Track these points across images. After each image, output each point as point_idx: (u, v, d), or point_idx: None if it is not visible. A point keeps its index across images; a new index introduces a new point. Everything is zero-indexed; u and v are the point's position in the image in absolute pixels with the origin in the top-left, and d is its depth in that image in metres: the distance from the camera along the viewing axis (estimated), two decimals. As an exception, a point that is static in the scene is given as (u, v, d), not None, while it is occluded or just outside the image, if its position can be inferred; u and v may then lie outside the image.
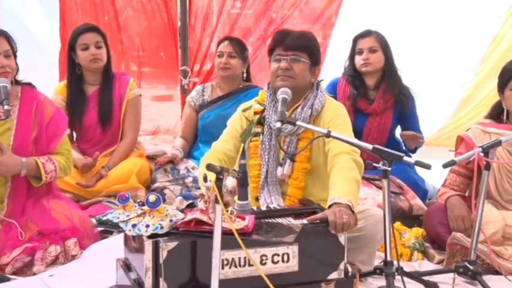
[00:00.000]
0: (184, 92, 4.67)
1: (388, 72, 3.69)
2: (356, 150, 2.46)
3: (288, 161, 2.62)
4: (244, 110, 2.73)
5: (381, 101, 3.70)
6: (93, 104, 3.74)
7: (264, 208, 2.47)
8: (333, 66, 4.30)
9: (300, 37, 2.59)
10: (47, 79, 4.20)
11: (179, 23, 4.68)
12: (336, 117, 2.59)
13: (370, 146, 2.19)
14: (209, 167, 1.94)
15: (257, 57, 4.70)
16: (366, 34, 3.70)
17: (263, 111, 2.68)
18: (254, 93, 3.72)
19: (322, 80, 2.76)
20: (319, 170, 2.61)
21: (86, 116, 3.73)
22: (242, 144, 2.49)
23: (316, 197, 2.58)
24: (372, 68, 3.68)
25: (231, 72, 3.83)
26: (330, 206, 2.28)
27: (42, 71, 4.30)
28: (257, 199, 2.66)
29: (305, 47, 2.58)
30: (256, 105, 2.72)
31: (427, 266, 2.89)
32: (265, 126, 2.66)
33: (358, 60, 3.69)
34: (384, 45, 3.67)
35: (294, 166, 2.62)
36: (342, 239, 2.19)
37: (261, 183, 2.65)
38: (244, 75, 3.93)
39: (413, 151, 3.78)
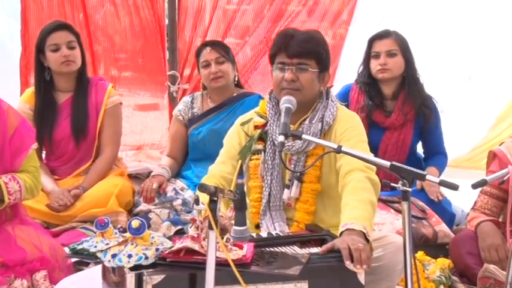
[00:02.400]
0: (173, 101, 4.69)
1: (409, 80, 3.72)
2: (371, 166, 2.47)
3: (296, 181, 2.63)
4: (242, 124, 2.73)
5: (399, 113, 3.72)
6: (66, 114, 3.76)
7: (264, 235, 2.48)
8: (346, 71, 4.32)
9: (306, 41, 2.57)
10: (8, 85, 4.20)
11: (167, 21, 4.71)
12: (349, 129, 2.61)
13: (387, 163, 2.21)
14: (201, 188, 1.96)
15: (260, 65, 4.72)
16: (384, 35, 3.73)
17: (265, 125, 2.69)
18: (251, 101, 3.75)
19: (332, 86, 2.76)
20: (331, 191, 2.63)
21: (57, 128, 3.74)
22: (240, 162, 2.50)
23: (327, 223, 2.59)
24: (390, 75, 3.70)
25: (225, 80, 3.86)
26: (341, 233, 2.29)
27: (2, 77, 4.31)
28: (258, 226, 2.67)
29: (312, 53, 2.57)
30: (256, 117, 2.73)
31: (455, 303, 2.90)
32: (268, 142, 2.66)
33: (375, 65, 3.71)
34: (404, 49, 3.70)
35: (303, 187, 2.63)
36: (361, 276, 2.19)
37: (263, 208, 2.66)
38: (236, 79, 3.96)
39: None
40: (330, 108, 2.64)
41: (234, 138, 2.73)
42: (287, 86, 2.57)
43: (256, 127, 2.71)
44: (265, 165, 2.66)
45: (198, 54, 3.95)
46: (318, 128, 2.60)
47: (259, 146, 2.68)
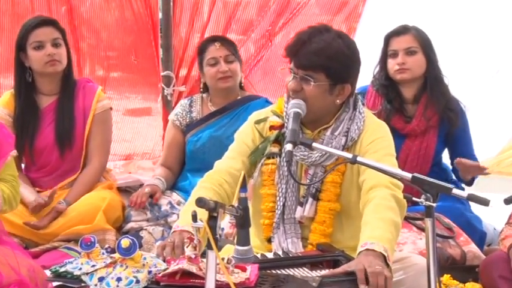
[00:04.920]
0: (167, 105, 4.70)
1: (431, 81, 3.72)
2: (398, 184, 2.48)
3: (310, 199, 2.64)
4: (257, 122, 2.75)
5: (421, 118, 3.73)
6: (49, 119, 3.78)
7: (270, 255, 2.48)
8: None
9: (315, 52, 2.54)
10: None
11: (160, 15, 4.73)
12: (377, 140, 2.62)
13: (408, 175, 2.21)
14: (200, 202, 1.97)
15: (261, 59, 4.72)
16: (402, 31, 3.74)
17: (282, 125, 2.70)
18: (256, 106, 3.76)
19: (359, 93, 2.76)
20: (350, 211, 2.64)
21: (39, 135, 3.76)
22: (243, 173, 2.52)
23: (342, 245, 2.59)
24: (410, 76, 3.71)
25: (234, 81, 3.88)
26: (359, 253, 2.30)
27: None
28: (269, 240, 2.69)
29: (320, 67, 2.55)
30: (273, 117, 2.74)
31: (485, 333, 2.90)
32: (284, 146, 2.66)
33: (392, 65, 3.72)
34: (425, 45, 3.70)
35: (319, 206, 2.64)
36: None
37: (276, 220, 2.68)
38: (242, 80, 3.98)
39: (469, 183, 3.78)
40: (356, 122, 2.64)
41: (247, 133, 2.75)
42: (292, 95, 2.60)
43: (272, 127, 2.73)
44: (281, 172, 2.67)
45: (202, 50, 3.94)
46: (341, 143, 2.61)
47: (275, 149, 2.69)
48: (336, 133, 2.63)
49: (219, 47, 3.86)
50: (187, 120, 3.99)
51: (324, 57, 2.55)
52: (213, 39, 3.96)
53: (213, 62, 3.86)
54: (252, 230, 2.48)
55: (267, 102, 3.86)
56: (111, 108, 3.93)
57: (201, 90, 4.04)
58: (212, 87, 3.93)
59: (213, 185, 2.61)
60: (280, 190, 2.67)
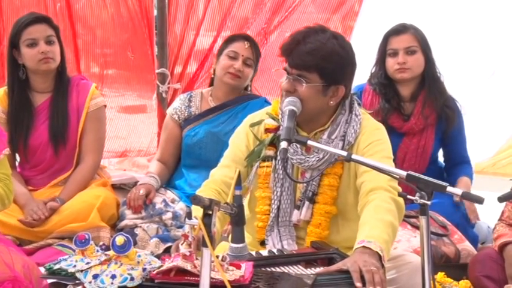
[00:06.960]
0: (162, 102, 4.71)
1: (429, 79, 3.73)
2: (397, 187, 2.49)
3: (307, 202, 2.65)
4: (252, 125, 2.76)
5: (419, 116, 3.73)
6: (43, 117, 3.77)
7: (265, 253, 2.49)
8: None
9: (309, 52, 2.54)
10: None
11: (155, 12, 4.73)
12: (373, 143, 2.63)
13: (403, 173, 2.22)
14: (194, 200, 1.98)
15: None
16: (401, 30, 3.73)
17: (277, 128, 2.71)
18: (255, 105, 3.76)
19: (355, 93, 2.76)
20: (347, 213, 2.65)
21: (33, 133, 3.76)
22: (238, 170, 2.52)
23: (339, 247, 2.59)
24: (410, 75, 3.71)
25: (241, 82, 3.87)
26: (355, 250, 2.31)
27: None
28: (263, 243, 2.69)
29: (313, 67, 2.55)
30: (268, 119, 2.75)
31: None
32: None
33: (392, 64, 3.72)
34: (424, 45, 3.71)
35: (315, 208, 2.65)
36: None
37: (270, 223, 2.68)
38: (249, 88, 3.99)
39: None
40: (353, 125, 2.65)
41: (241, 139, 2.76)
42: (285, 95, 2.59)
43: (267, 130, 2.74)
44: (276, 175, 2.68)
45: (230, 40, 3.92)
46: (338, 148, 2.61)
47: (270, 152, 2.71)
48: (333, 137, 2.64)
49: (247, 47, 3.85)
50: (186, 115, 3.99)
51: (318, 57, 2.55)
52: (245, 38, 3.93)
53: (232, 55, 3.85)
54: (247, 232, 2.48)
55: (266, 102, 3.86)
56: (105, 106, 3.92)
57: (212, 77, 3.99)
58: (219, 78, 3.91)
59: (213, 191, 2.63)
60: (275, 193, 2.68)
